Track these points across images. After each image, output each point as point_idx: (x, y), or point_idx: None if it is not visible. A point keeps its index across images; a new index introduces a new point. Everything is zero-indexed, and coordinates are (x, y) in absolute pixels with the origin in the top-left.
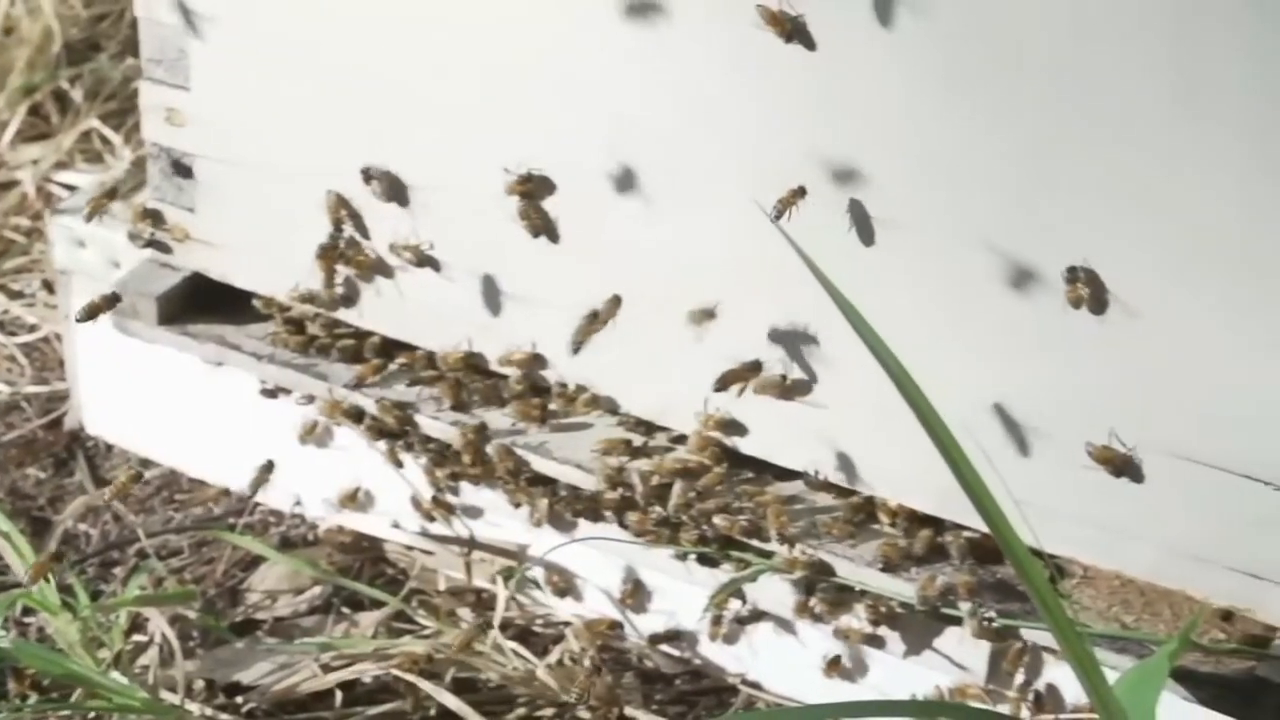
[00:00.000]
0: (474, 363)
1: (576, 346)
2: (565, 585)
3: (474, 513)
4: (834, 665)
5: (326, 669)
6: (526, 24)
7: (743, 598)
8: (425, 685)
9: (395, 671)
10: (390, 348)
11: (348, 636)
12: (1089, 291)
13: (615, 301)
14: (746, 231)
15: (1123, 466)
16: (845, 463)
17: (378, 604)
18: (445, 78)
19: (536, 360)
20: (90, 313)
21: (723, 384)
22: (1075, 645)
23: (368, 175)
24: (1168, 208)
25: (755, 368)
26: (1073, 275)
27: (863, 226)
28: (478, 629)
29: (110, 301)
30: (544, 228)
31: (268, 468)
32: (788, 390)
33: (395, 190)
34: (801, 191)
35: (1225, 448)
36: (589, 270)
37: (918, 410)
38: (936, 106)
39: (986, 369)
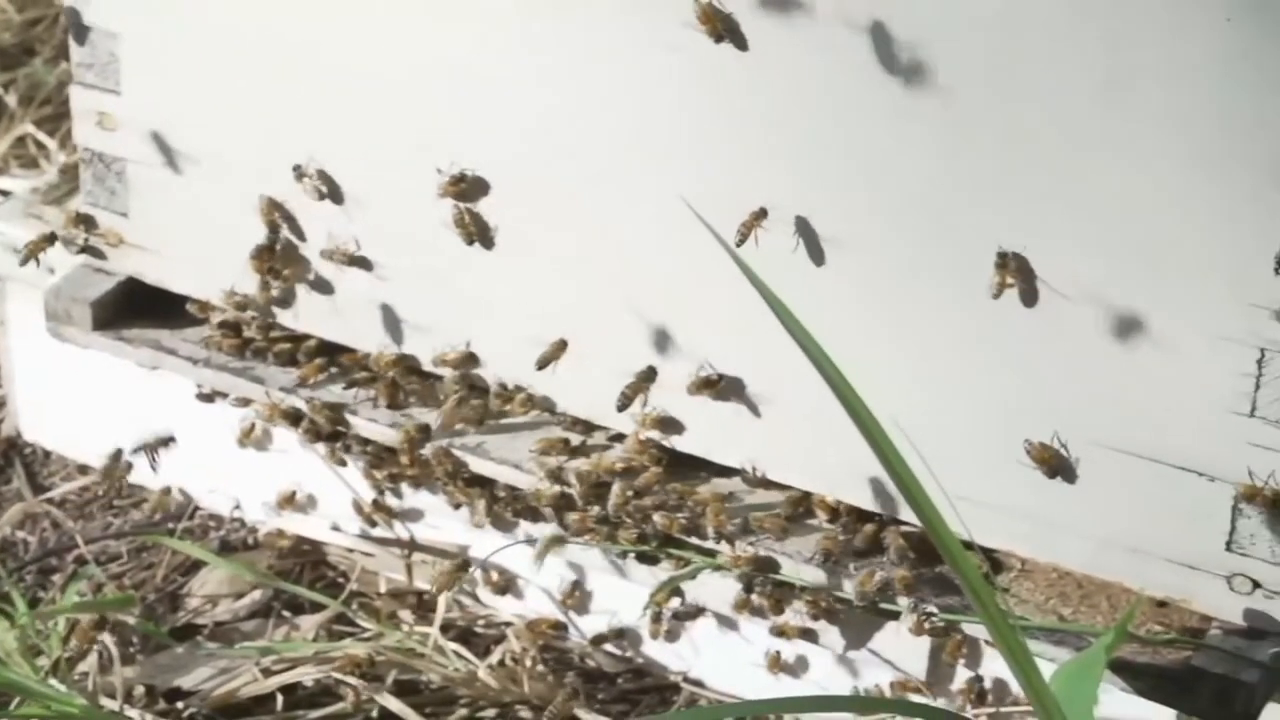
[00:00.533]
0: (409, 364)
1: (542, 365)
2: (506, 586)
3: (414, 515)
4: (775, 662)
5: (267, 673)
6: (453, 23)
7: (682, 595)
8: (367, 688)
9: (336, 674)
10: (330, 349)
11: (288, 640)
12: (1019, 278)
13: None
14: (678, 231)
15: (1058, 468)
16: (782, 459)
17: (318, 607)
18: (374, 78)
19: (470, 360)
20: (31, 253)
21: (624, 403)
22: (1009, 638)
23: (299, 173)
24: (1097, 201)
25: (650, 376)
26: (1002, 260)
27: (793, 225)
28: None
29: (48, 240)
30: (478, 235)
31: (116, 456)
32: (722, 390)
33: (327, 190)
34: (763, 213)
35: (1158, 439)
36: (524, 270)
37: (848, 406)
38: (862, 104)
39: (919, 364)
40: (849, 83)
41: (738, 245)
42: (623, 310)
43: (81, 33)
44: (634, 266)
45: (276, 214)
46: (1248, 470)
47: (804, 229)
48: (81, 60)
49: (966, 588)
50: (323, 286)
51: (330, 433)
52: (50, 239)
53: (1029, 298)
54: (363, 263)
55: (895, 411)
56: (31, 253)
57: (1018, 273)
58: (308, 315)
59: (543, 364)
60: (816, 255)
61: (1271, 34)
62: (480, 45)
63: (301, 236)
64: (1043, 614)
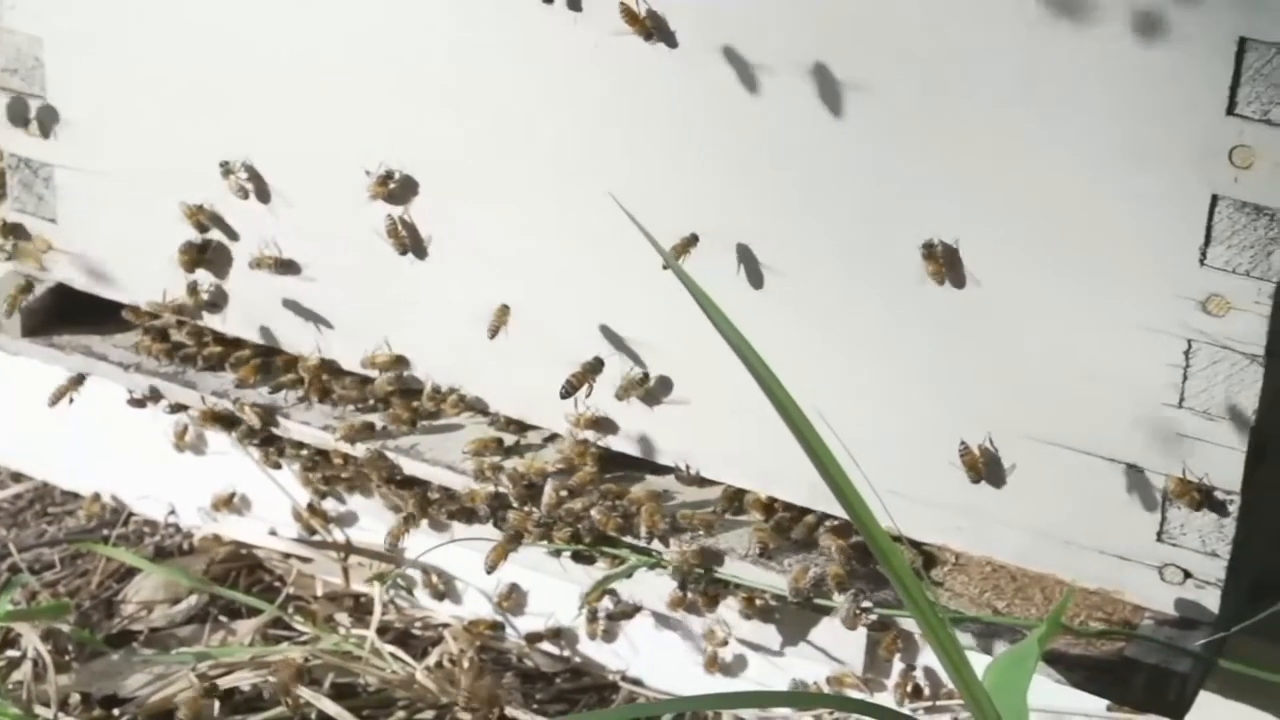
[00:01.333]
0: (339, 366)
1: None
2: (443, 587)
3: (350, 518)
4: (713, 659)
5: (203, 678)
6: (378, 23)
7: (615, 595)
8: (304, 692)
9: (273, 679)
10: (265, 351)
11: (225, 645)
12: (947, 266)
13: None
14: (609, 232)
15: (985, 474)
16: (715, 457)
17: (255, 611)
18: (301, 80)
19: (400, 362)
20: None
21: (568, 389)
22: (938, 630)
23: (226, 169)
24: (1022, 196)
25: (596, 367)
26: (929, 250)
27: (722, 225)
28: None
29: None
30: (411, 246)
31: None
32: (651, 391)
33: (254, 189)
34: (694, 239)
35: (1089, 432)
36: (454, 272)
37: (776, 401)
38: (788, 105)
39: (849, 361)
40: (773, 84)
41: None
42: (554, 311)
43: (4, 37)
44: (565, 268)
45: (202, 216)
46: (1176, 461)
47: (733, 229)
48: (6, 65)
49: (895, 582)
50: (252, 290)
51: (265, 436)
52: None
53: (959, 283)
54: (291, 266)
55: (825, 407)
56: None
57: (945, 260)
58: (237, 319)
59: (493, 332)
60: (745, 254)
61: (1191, 24)
62: (405, 47)
63: (233, 237)
64: (977, 607)
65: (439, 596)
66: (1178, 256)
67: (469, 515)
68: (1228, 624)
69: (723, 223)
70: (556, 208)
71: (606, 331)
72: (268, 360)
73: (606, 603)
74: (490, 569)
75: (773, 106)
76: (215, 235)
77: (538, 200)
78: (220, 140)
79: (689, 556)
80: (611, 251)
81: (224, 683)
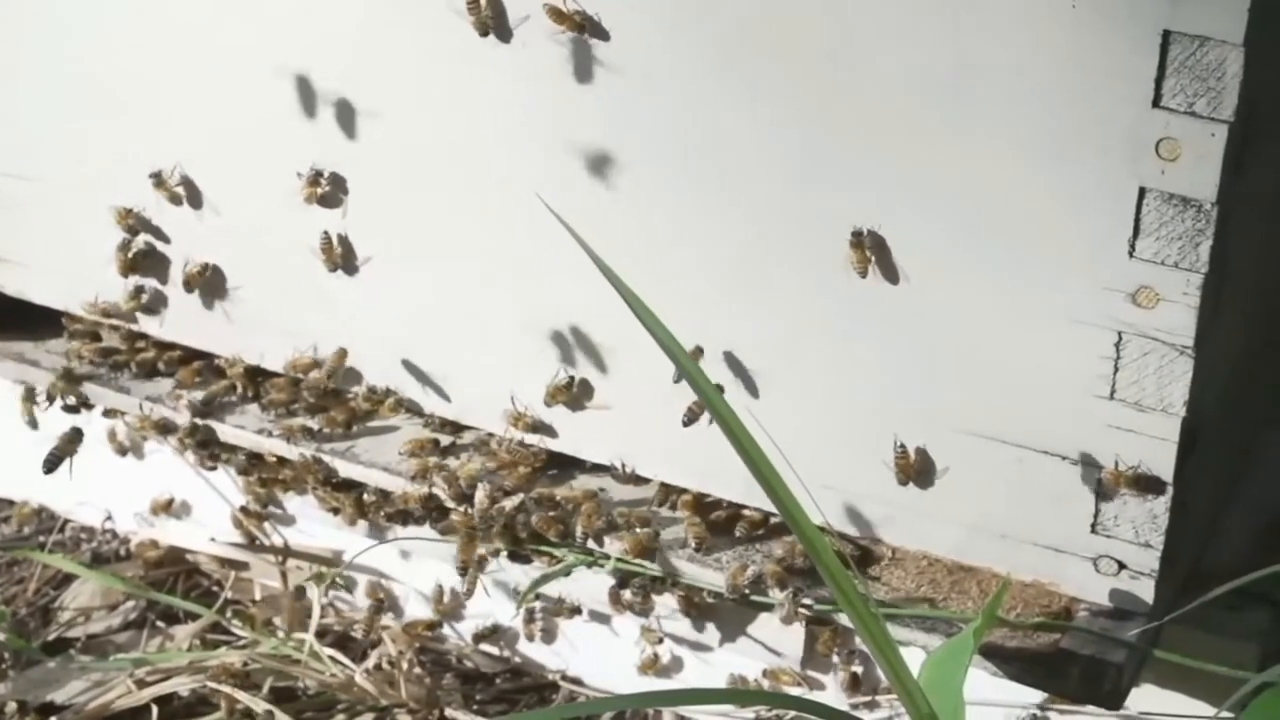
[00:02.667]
0: (263, 370)
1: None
2: (382, 589)
3: (287, 520)
4: (652, 658)
5: (141, 684)
6: (301, 31)
7: (546, 594)
8: (242, 696)
9: (211, 683)
10: (199, 354)
11: (163, 651)
12: (876, 255)
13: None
14: (536, 231)
15: (915, 477)
16: (650, 455)
17: (193, 616)
18: (213, 83)
19: (318, 363)
20: None
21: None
22: (869, 624)
23: (157, 180)
24: (951, 189)
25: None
26: (857, 239)
27: (650, 219)
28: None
29: None
30: (342, 263)
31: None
32: (575, 396)
33: (186, 196)
34: (699, 352)
35: (1021, 425)
36: (384, 273)
37: (705, 397)
38: (717, 95)
39: (781, 356)
40: (701, 75)
41: (685, 425)
42: (487, 312)
43: None
44: (495, 269)
45: (132, 220)
46: (1109, 452)
47: (659, 222)
48: None
49: (826, 576)
50: (186, 295)
51: (202, 440)
52: None
53: (889, 275)
54: (220, 272)
55: (757, 403)
56: None
57: (874, 249)
58: (171, 323)
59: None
60: (673, 251)
61: (1116, 18)
62: (329, 52)
63: (166, 239)
64: (913, 601)
65: (377, 598)
66: (1107, 249)
67: (405, 517)
68: (1162, 614)
69: (651, 222)
70: (486, 209)
71: (538, 333)
72: (209, 363)
73: (547, 601)
74: (462, 570)
75: (695, 103)
76: (148, 240)
77: (468, 202)
78: (141, 144)
79: (632, 544)
80: (543, 252)
81: (161, 689)
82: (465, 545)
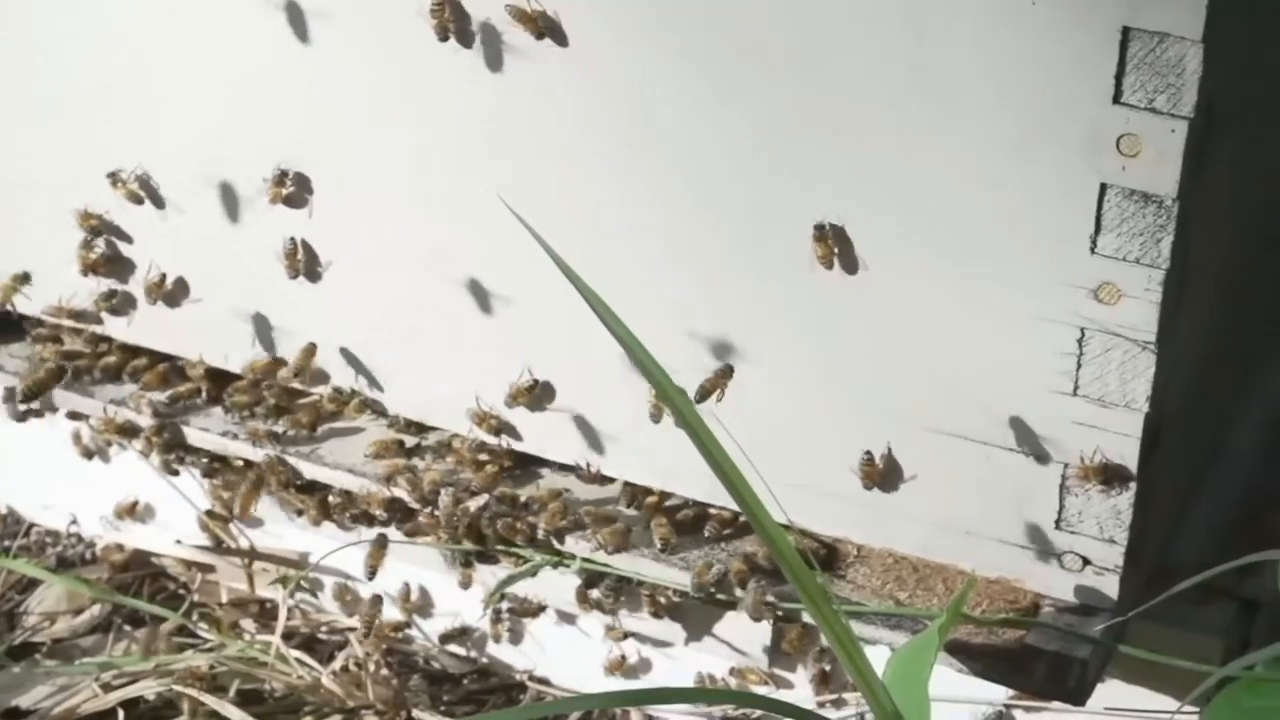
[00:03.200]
0: (222, 374)
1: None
2: (349, 591)
3: (254, 523)
4: (619, 658)
5: (107, 688)
6: (250, 26)
7: (513, 595)
8: (209, 699)
9: (177, 687)
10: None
11: (128, 654)
12: (839, 248)
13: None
14: (495, 232)
15: (880, 482)
16: (616, 455)
17: (159, 620)
18: (170, 84)
19: (276, 364)
20: None
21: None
22: (831, 621)
23: (114, 179)
24: (913, 186)
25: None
26: (820, 233)
27: (608, 216)
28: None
29: None
30: (305, 270)
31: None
32: (538, 397)
33: (145, 196)
34: (728, 371)
35: (985, 422)
36: (346, 273)
37: (664, 395)
38: (679, 92)
39: (743, 354)
40: (662, 75)
41: (698, 401)
42: (452, 313)
43: None
44: (457, 269)
45: (94, 222)
46: (1073, 449)
47: (622, 221)
48: None
49: (789, 574)
50: (149, 299)
51: (166, 443)
52: None
53: (850, 267)
54: (180, 283)
55: (719, 402)
56: None
57: (837, 243)
58: (137, 326)
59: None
60: (635, 248)
61: (1075, 15)
62: (285, 54)
63: (128, 239)
64: (879, 599)
65: (345, 600)
66: (1069, 245)
67: (369, 519)
68: (1127, 609)
69: (612, 220)
70: (449, 209)
71: (502, 333)
72: (174, 366)
73: (512, 601)
74: (370, 574)
75: (656, 103)
76: (110, 240)
77: (431, 202)
78: (99, 145)
79: (607, 536)
80: (507, 252)
81: (127, 692)
82: (375, 552)
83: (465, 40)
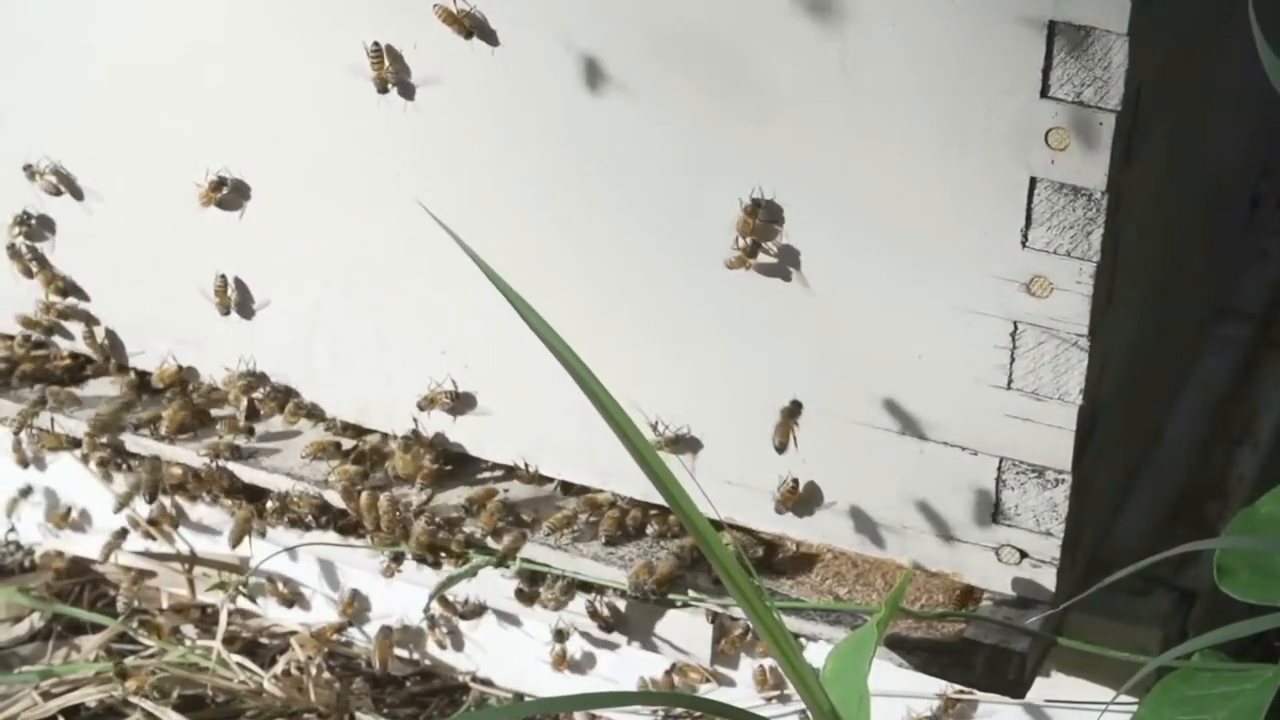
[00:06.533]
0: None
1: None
2: (290, 595)
3: (194, 528)
4: (560, 657)
5: (47, 696)
6: (187, 22)
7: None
8: (149, 705)
9: (118, 692)
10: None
11: (68, 662)
12: (769, 223)
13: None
14: (415, 234)
15: (794, 507)
16: (553, 454)
17: (99, 627)
18: (109, 83)
19: (181, 370)
20: None
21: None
22: (763, 617)
23: (30, 172)
24: (843, 181)
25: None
26: (754, 208)
27: (540, 213)
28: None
29: None
30: (236, 304)
31: None
32: (459, 403)
33: (67, 189)
34: (796, 408)
35: (921, 416)
36: (282, 277)
37: (589, 392)
38: (600, 90)
39: (671, 352)
40: (585, 76)
41: (779, 450)
42: (385, 318)
43: None
44: (387, 274)
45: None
46: (1008, 442)
47: (546, 224)
48: None
49: (721, 571)
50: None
51: (105, 455)
52: None
53: (783, 260)
54: (82, 294)
55: (648, 399)
56: None
57: (769, 221)
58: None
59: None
60: (558, 246)
61: (1002, 8)
62: (206, 53)
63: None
64: (818, 595)
65: (288, 604)
66: (1000, 239)
67: (300, 523)
68: (1065, 601)
69: (535, 216)
70: (376, 213)
71: (435, 336)
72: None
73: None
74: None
75: (579, 103)
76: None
77: (358, 205)
78: (29, 143)
79: (556, 522)
80: (437, 257)
81: (68, 700)
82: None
83: (407, 93)
